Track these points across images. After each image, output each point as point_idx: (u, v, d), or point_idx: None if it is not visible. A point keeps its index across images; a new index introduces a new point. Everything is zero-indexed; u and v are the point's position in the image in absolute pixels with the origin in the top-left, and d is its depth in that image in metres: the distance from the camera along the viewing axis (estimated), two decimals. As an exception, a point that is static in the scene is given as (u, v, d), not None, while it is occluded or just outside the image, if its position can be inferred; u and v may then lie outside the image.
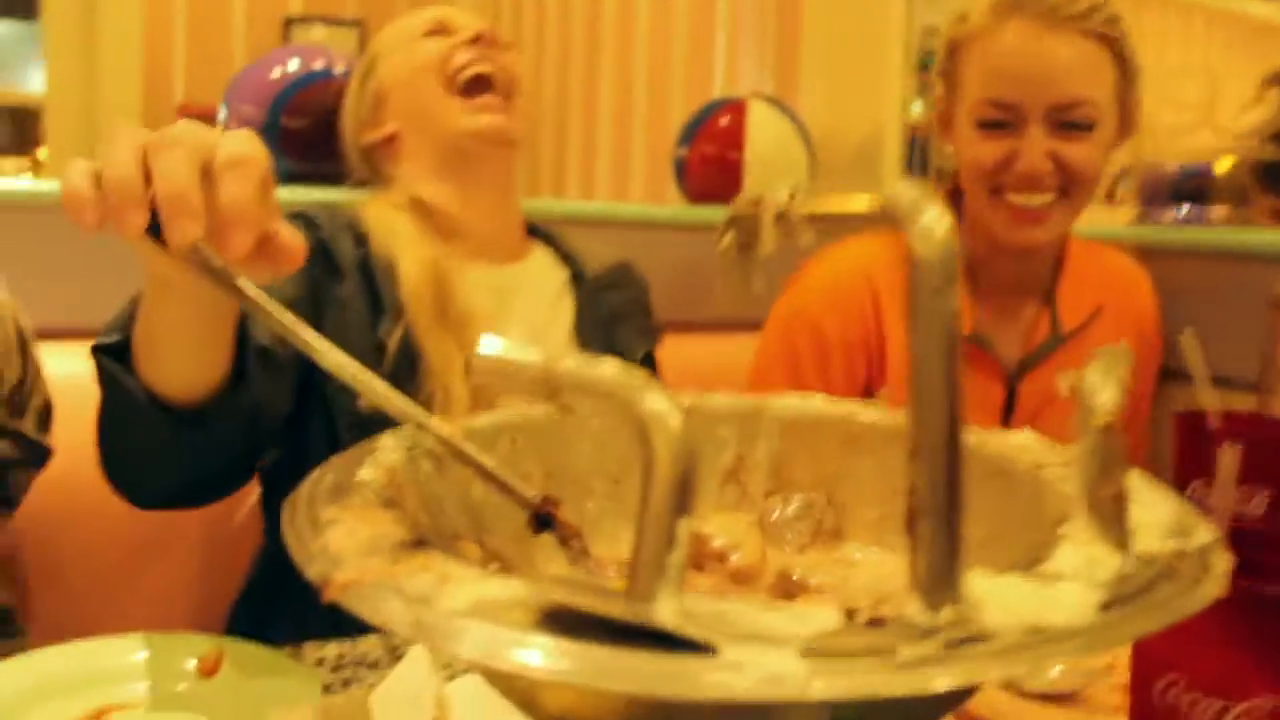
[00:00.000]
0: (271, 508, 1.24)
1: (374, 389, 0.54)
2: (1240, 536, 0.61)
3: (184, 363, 0.85)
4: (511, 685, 0.43)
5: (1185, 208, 2.38)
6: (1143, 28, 3.62)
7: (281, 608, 1.18)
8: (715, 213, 2.04)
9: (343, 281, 1.19)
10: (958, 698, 0.42)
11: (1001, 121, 1.34)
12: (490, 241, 1.33)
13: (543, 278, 1.36)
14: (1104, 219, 2.57)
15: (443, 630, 0.34)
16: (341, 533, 0.43)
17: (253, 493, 1.25)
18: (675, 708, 0.36)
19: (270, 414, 0.99)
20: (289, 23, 4.23)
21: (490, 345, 0.39)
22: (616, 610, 0.33)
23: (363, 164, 1.42)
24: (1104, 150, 1.37)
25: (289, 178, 1.79)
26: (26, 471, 1.18)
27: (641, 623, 0.32)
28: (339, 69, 1.82)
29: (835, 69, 2.35)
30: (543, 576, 0.35)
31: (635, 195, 3.01)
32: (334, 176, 1.76)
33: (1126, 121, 1.40)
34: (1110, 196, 2.39)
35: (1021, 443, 0.54)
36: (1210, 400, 1.05)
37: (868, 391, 1.42)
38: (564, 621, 0.34)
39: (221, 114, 1.84)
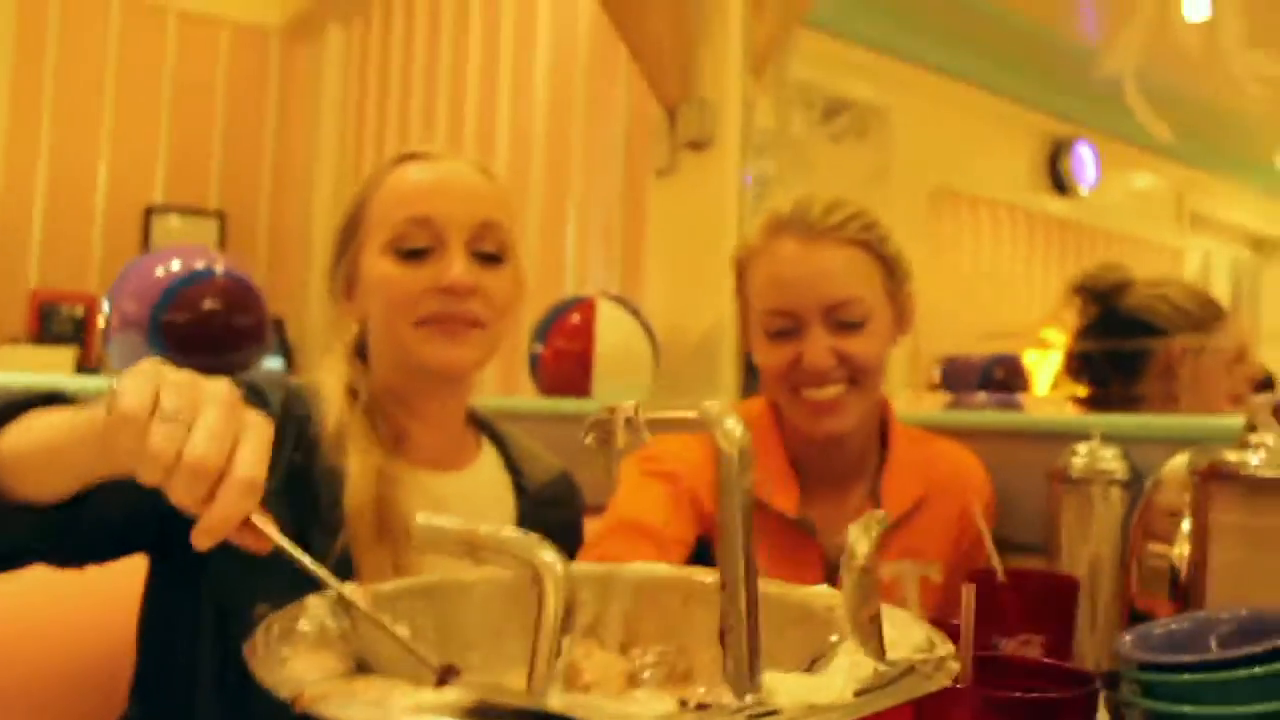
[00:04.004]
0: (145, 698, 1.23)
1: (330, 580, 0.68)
2: (989, 662, 0.79)
3: (42, 486, 0.90)
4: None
5: (987, 394, 2.64)
6: (943, 230, 4.01)
7: None
8: (574, 404, 2.19)
9: (269, 478, 1.18)
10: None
11: (785, 329, 1.45)
12: (437, 449, 1.31)
13: (486, 486, 1.35)
14: (923, 405, 2.80)
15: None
16: (300, 665, 0.56)
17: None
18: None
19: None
20: (149, 212, 4.32)
21: (426, 518, 0.54)
22: (521, 701, 0.47)
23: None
24: (882, 341, 1.47)
25: (169, 373, 1.89)
26: None
27: (538, 709, 0.47)
28: (219, 268, 1.95)
29: (676, 269, 2.56)
30: (466, 685, 0.49)
31: (489, 389, 3.13)
32: (212, 370, 1.87)
33: (901, 315, 1.50)
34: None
35: (817, 592, 0.71)
36: (994, 558, 1.22)
37: (702, 541, 1.47)
38: (484, 716, 0.48)
39: (104, 307, 1.94)
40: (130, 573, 1.16)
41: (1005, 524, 1.62)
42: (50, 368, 3.90)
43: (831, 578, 1.44)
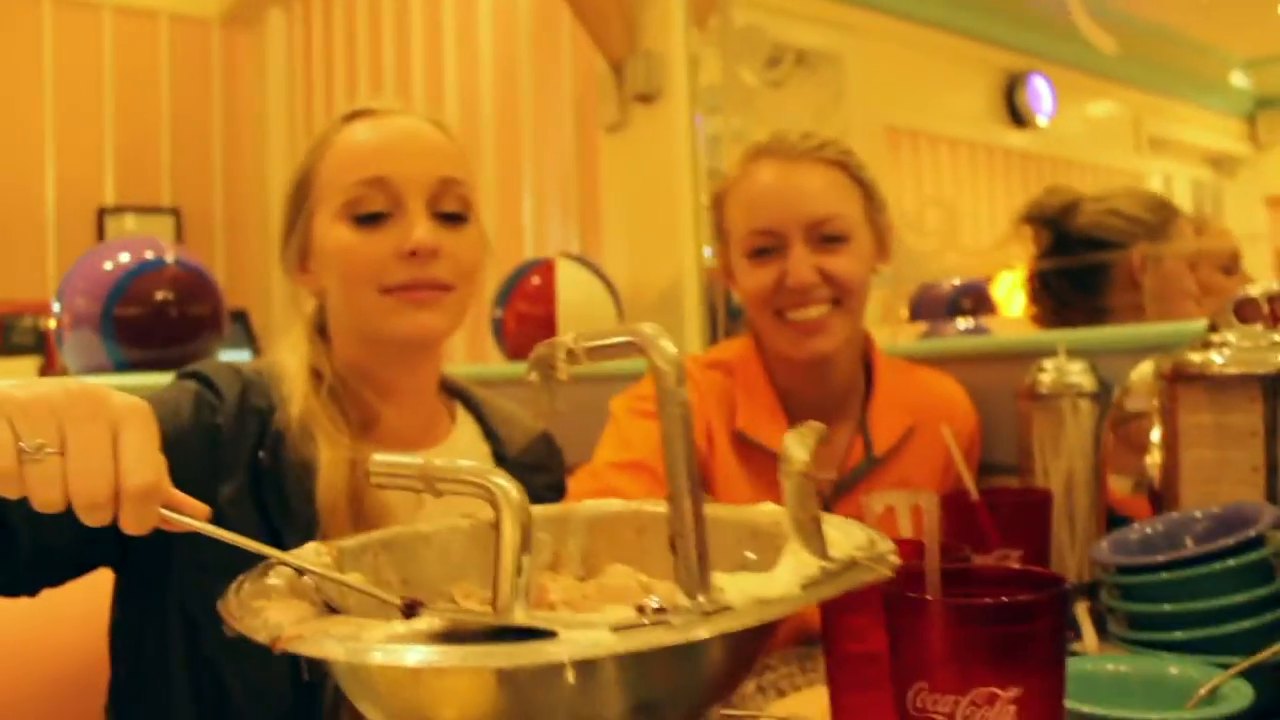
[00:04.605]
0: (121, 712, 1.18)
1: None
2: (965, 574, 0.80)
3: None
4: (420, 707, 0.59)
5: (967, 320, 2.69)
6: (890, 163, 4.05)
7: None
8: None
9: (228, 480, 1.10)
10: (729, 676, 0.60)
11: (767, 248, 1.48)
12: (410, 427, 1.25)
13: (465, 457, 1.23)
14: (896, 335, 2.83)
15: (369, 651, 0.51)
16: (275, 611, 0.59)
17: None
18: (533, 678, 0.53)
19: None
20: (102, 213, 4.31)
21: (383, 456, 0.57)
22: (487, 618, 0.51)
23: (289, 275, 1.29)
24: (863, 263, 1.49)
25: (123, 367, 1.90)
26: None
27: (503, 624, 0.50)
28: (170, 257, 1.96)
29: (634, 223, 2.60)
30: (432, 611, 0.52)
31: (457, 358, 3.15)
32: (168, 362, 1.87)
33: (880, 243, 1.54)
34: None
35: (765, 510, 0.76)
36: (967, 478, 1.22)
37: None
38: (452, 640, 0.52)
39: (55, 308, 1.95)
40: (99, 585, 1.13)
41: (983, 446, 1.65)
42: (13, 379, 3.86)
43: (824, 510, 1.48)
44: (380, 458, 0.57)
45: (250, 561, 1.00)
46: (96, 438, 0.72)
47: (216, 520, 1.00)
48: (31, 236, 4.28)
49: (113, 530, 0.95)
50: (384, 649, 0.51)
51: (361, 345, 1.23)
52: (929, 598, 0.75)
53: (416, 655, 0.50)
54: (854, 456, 1.54)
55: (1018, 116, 4.74)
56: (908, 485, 1.53)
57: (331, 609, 0.63)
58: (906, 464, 1.55)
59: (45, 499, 0.71)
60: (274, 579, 0.69)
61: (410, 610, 0.68)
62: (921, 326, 2.86)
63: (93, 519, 0.72)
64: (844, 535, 0.63)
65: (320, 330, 1.26)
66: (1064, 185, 2.11)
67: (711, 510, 0.78)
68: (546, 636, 0.49)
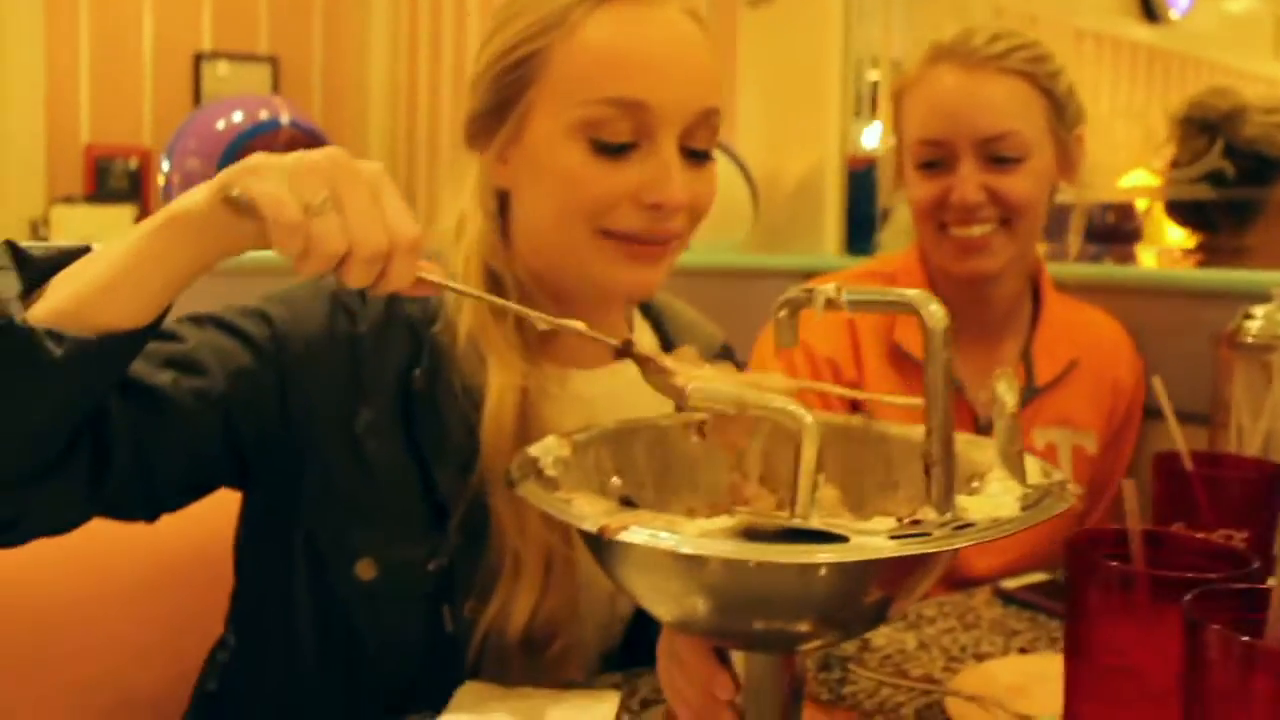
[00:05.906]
0: (243, 629, 1.18)
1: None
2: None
3: (128, 309, 0.83)
4: (736, 581, 0.75)
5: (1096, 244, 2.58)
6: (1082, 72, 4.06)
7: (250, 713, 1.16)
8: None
9: (368, 403, 1.06)
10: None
11: (936, 161, 1.50)
12: (589, 345, 1.07)
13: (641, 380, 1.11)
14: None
15: (695, 543, 0.69)
16: (582, 504, 0.78)
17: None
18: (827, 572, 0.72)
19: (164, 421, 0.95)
20: (199, 58, 4.49)
21: (699, 385, 0.76)
22: (789, 522, 0.69)
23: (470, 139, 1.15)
24: (1039, 182, 1.49)
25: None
26: None
27: (802, 527, 0.69)
28: (285, 118, 2.02)
29: (773, 108, 2.63)
30: (738, 513, 0.71)
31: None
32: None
33: (1065, 158, 1.53)
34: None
35: None
36: (1181, 442, 1.16)
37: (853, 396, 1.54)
38: (752, 537, 0.70)
39: (164, 166, 1.99)
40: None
41: (1145, 391, 1.64)
42: (109, 228, 3.87)
43: (980, 432, 1.51)
44: (699, 387, 0.76)
45: (377, 499, 1.05)
46: (366, 196, 0.80)
47: (352, 453, 1.05)
48: (128, 81, 4.46)
49: (227, 448, 1.02)
50: (700, 542, 0.70)
51: (555, 269, 1.13)
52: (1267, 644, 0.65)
53: (765, 551, 0.67)
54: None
55: (1150, 10, 4.76)
56: (1068, 422, 1.59)
57: (626, 501, 0.82)
58: (1066, 399, 1.59)
59: (329, 250, 0.78)
60: (548, 469, 0.87)
61: (623, 351, 0.88)
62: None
63: (367, 273, 0.79)
64: (1027, 464, 0.81)
65: (501, 226, 1.15)
66: (1228, 86, 2.03)
67: (891, 428, 0.97)
68: (838, 540, 0.68)
